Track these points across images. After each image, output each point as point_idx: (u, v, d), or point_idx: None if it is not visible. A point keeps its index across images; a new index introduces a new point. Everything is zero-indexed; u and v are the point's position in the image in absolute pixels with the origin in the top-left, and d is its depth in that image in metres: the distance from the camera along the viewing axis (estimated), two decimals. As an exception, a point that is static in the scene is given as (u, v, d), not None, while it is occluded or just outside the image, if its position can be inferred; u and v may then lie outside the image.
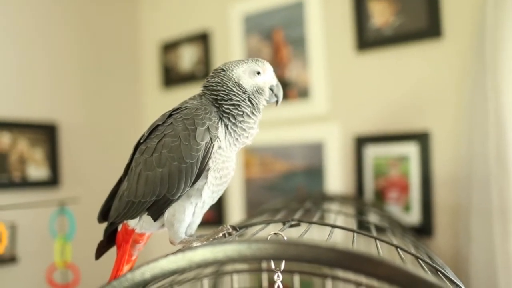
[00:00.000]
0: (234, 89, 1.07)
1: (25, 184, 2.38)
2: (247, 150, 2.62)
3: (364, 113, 2.27)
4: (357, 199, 2.18)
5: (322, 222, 1.09)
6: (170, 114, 1.06)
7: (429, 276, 0.48)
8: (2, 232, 1.61)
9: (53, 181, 2.49)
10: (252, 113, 1.07)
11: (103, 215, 1.18)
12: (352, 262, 0.51)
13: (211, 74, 1.11)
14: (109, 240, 1.18)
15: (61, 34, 2.66)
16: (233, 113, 1.05)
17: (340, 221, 1.65)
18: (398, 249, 0.88)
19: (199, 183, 1.02)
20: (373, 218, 1.90)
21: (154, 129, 1.07)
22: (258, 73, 1.10)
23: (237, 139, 1.06)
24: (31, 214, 2.14)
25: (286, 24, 2.53)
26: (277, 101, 1.15)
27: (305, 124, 2.44)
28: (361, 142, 2.24)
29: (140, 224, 1.10)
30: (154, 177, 1.02)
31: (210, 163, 1.02)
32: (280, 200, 2.37)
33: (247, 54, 2.66)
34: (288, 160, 2.50)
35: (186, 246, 1.01)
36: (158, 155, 1.02)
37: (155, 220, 1.06)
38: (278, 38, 2.56)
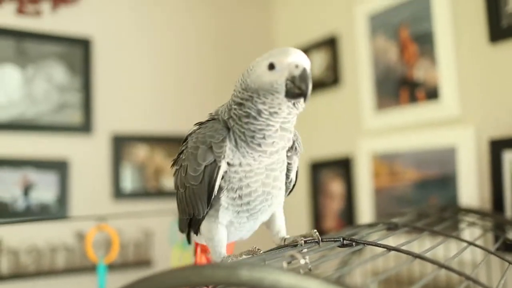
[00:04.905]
0: (240, 88, 0.96)
1: (159, 194, 2.58)
2: (375, 158, 2.46)
3: (501, 114, 1.93)
4: (494, 214, 1.86)
5: (384, 245, 0.95)
6: (200, 127, 1.03)
7: None
8: (114, 239, 1.76)
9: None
10: (259, 112, 0.91)
11: None
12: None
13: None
14: None
15: (198, 48, 2.86)
16: (238, 114, 0.94)
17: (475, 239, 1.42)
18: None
19: (215, 204, 0.97)
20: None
21: (184, 141, 1.07)
22: (272, 66, 0.91)
23: (251, 142, 0.92)
24: (164, 222, 2.30)
25: (412, 20, 2.32)
26: (301, 95, 0.91)
27: (435, 128, 2.19)
28: (498, 146, 1.92)
29: (193, 235, 1.12)
30: (181, 197, 1.03)
31: (223, 183, 0.95)
32: (408, 210, 2.15)
33: (374, 55, 2.50)
34: (418, 168, 2.26)
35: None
36: (178, 177, 1.04)
37: (195, 234, 1.07)
38: (404, 36, 2.36)
